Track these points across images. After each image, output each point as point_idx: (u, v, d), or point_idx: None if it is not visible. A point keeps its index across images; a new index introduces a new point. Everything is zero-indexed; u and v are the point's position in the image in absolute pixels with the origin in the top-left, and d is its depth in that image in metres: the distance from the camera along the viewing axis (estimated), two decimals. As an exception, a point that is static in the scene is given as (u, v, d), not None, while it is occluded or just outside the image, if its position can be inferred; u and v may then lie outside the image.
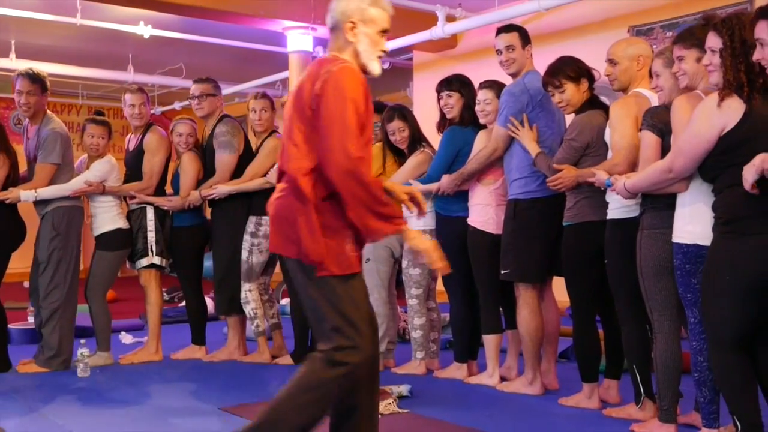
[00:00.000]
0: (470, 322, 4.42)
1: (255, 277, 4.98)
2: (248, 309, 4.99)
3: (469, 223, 4.28)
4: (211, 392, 4.25)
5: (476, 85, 4.39)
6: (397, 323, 5.13)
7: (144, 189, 4.98)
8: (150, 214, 4.99)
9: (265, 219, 4.93)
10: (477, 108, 4.29)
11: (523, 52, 4.13)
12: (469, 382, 4.35)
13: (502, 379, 4.32)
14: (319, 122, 2.45)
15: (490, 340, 4.28)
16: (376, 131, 4.64)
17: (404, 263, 4.63)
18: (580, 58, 3.87)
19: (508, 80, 4.21)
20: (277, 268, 5.14)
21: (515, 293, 4.10)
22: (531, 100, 4.02)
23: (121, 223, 4.94)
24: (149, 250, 4.97)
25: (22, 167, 4.86)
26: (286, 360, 4.96)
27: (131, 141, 5.19)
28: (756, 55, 2.63)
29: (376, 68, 2.62)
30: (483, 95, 4.27)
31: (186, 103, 10.70)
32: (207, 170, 5.07)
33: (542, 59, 4.10)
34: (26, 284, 5.30)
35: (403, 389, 4.01)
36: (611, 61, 3.59)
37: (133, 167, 5.06)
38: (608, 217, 3.53)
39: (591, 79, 3.82)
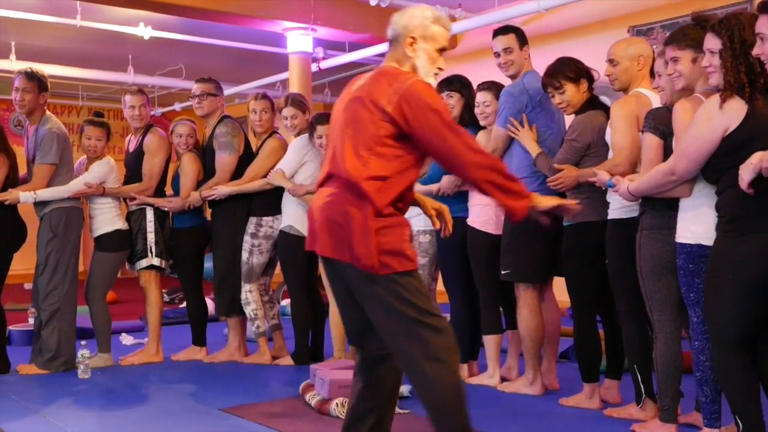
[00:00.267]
0: (470, 323, 4.41)
1: (255, 278, 4.98)
2: (249, 310, 4.99)
3: (468, 223, 4.27)
4: (211, 393, 4.24)
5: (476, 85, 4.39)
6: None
7: (144, 190, 4.98)
8: (149, 215, 4.99)
9: (266, 220, 4.93)
10: (476, 110, 4.29)
11: (520, 53, 4.13)
12: (470, 383, 4.34)
13: (503, 379, 4.32)
14: (425, 142, 2.48)
15: (490, 341, 4.28)
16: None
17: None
18: (580, 58, 3.87)
19: (507, 81, 4.21)
20: (278, 269, 5.15)
21: (515, 293, 4.09)
22: (530, 100, 4.02)
23: (120, 224, 4.94)
24: (149, 251, 4.97)
25: (23, 169, 4.85)
26: (287, 361, 4.96)
27: (131, 142, 5.18)
28: (756, 50, 2.62)
29: (432, 84, 2.63)
30: (482, 97, 4.27)
31: (186, 104, 10.71)
32: (207, 171, 5.07)
33: (542, 59, 4.10)
34: (27, 286, 5.30)
35: (404, 389, 4.00)
36: (611, 61, 3.59)
37: (133, 168, 5.06)
38: (609, 217, 3.53)
39: (590, 79, 3.82)
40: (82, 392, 4.30)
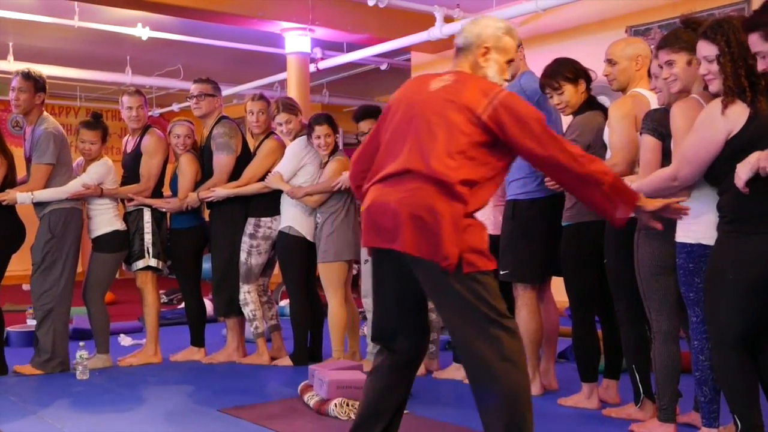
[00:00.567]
0: (469, 323, 4.41)
1: (254, 278, 4.98)
2: (247, 310, 4.99)
3: (467, 223, 4.26)
4: (210, 394, 4.24)
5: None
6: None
7: (142, 191, 4.98)
8: (147, 216, 4.98)
9: (264, 220, 4.93)
10: (475, 111, 4.29)
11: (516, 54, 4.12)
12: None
13: (502, 379, 4.31)
14: (526, 150, 2.54)
15: (489, 341, 4.27)
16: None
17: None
18: (578, 58, 3.87)
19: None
20: (276, 270, 5.15)
21: (514, 294, 4.09)
22: (527, 100, 4.00)
23: (118, 225, 4.93)
24: (146, 252, 4.96)
25: (22, 171, 4.84)
26: (285, 361, 4.96)
27: (129, 143, 5.18)
28: (761, 66, 2.60)
29: None
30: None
31: (184, 104, 10.71)
32: (205, 172, 5.07)
33: (540, 60, 4.10)
34: (25, 287, 5.29)
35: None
36: (610, 61, 3.59)
37: (131, 169, 5.05)
38: (607, 217, 3.52)
39: (588, 79, 3.82)
40: (80, 393, 4.29)
